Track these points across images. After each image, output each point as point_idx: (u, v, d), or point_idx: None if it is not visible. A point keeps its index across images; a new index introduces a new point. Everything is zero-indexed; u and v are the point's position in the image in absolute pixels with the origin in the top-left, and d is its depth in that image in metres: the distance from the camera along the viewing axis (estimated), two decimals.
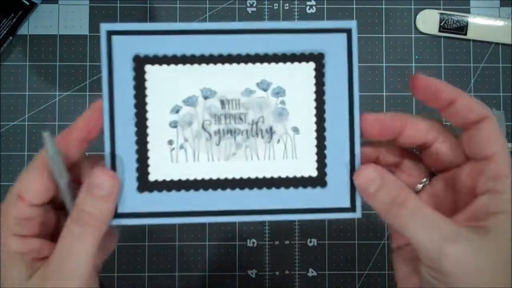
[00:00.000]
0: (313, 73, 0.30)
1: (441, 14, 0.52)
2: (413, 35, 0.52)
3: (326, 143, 0.30)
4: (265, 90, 0.30)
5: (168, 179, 0.30)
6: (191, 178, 0.30)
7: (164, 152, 0.30)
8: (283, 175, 0.30)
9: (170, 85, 0.30)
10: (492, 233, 0.27)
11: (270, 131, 0.30)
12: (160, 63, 0.30)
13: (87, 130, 0.29)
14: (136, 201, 0.29)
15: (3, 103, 0.51)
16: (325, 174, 0.30)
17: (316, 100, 0.30)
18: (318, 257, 0.51)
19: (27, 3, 0.50)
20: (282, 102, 0.30)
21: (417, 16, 0.52)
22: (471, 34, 0.52)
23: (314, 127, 0.30)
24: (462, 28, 0.52)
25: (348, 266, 0.50)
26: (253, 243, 0.51)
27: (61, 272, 0.27)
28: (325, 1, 0.52)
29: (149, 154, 0.30)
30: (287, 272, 0.51)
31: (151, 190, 0.29)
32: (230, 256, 0.50)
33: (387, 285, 0.50)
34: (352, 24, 0.30)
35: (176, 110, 0.30)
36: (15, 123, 0.51)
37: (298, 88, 0.30)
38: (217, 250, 0.50)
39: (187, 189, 0.30)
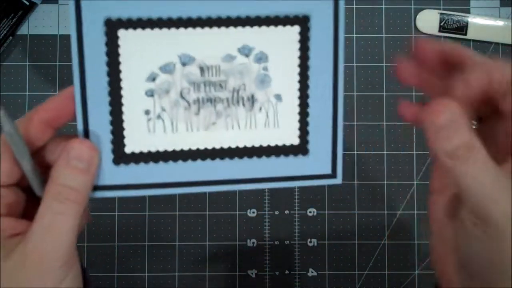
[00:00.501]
0: (298, 37, 0.29)
1: (441, 14, 0.52)
2: (413, 35, 0.52)
3: (309, 110, 0.29)
4: (247, 55, 0.29)
5: (145, 150, 0.28)
6: (169, 149, 0.28)
7: (140, 123, 0.28)
8: (265, 144, 0.29)
9: (146, 51, 0.28)
10: None
11: (252, 99, 0.29)
12: (135, 27, 0.27)
13: (53, 113, 0.27)
14: (112, 174, 0.28)
15: (3, 103, 0.51)
16: (307, 142, 0.29)
17: (300, 65, 0.29)
18: (318, 257, 0.51)
19: (27, 3, 0.50)
20: (265, 68, 0.29)
21: (417, 16, 0.52)
22: (471, 34, 0.52)
23: (297, 94, 0.29)
24: (462, 28, 0.52)
25: (348, 266, 0.50)
26: (253, 243, 0.51)
27: (42, 249, 0.26)
28: None
29: (125, 125, 0.28)
30: (287, 272, 0.51)
31: (127, 163, 0.28)
32: (230, 256, 0.50)
33: (387, 285, 0.50)
34: None
35: (153, 78, 0.28)
36: None
37: (282, 53, 0.29)
38: (217, 250, 0.50)
39: (165, 161, 0.28)
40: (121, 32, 0.27)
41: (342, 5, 0.29)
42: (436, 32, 0.52)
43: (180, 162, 0.29)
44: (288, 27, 0.28)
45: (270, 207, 0.51)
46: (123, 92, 0.28)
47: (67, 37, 0.51)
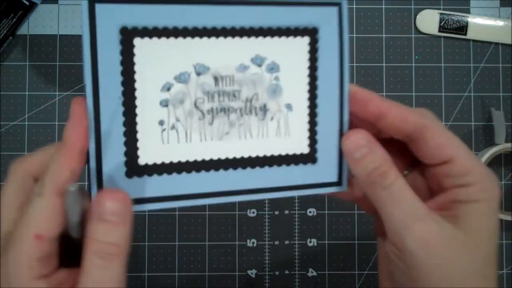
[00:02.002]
0: (307, 48, 0.29)
1: (441, 14, 0.52)
2: (413, 35, 0.52)
3: (317, 119, 0.30)
4: (259, 65, 0.29)
5: (159, 162, 0.28)
6: (183, 160, 0.28)
7: (154, 134, 0.27)
8: (276, 153, 0.30)
9: (161, 60, 0.27)
10: (461, 221, 0.26)
11: (264, 109, 0.29)
12: (150, 36, 0.27)
13: (82, 143, 0.26)
14: (125, 187, 0.27)
15: (3, 103, 0.51)
16: (316, 150, 0.30)
17: (309, 75, 0.30)
18: (318, 257, 0.51)
19: (27, 3, 0.50)
20: (276, 78, 0.29)
21: (417, 16, 0.52)
22: (471, 34, 0.52)
23: (307, 103, 0.30)
24: (462, 28, 0.52)
25: (348, 266, 0.50)
26: (253, 243, 0.51)
27: None
28: None
29: (138, 136, 0.27)
30: (287, 272, 0.51)
31: (140, 175, 0.27)
32: (230, 256, 0.50)
33: None
34: None
35: (168, 88, 0.27)
36: (15, 123, 0.51)
37: (292, 63, 0.29)
38: (217, 250, 0.50)
39: (179, 172, 0.28)
40: (137, 41, 0.27)
41: (345, 15, 0.29)
42: (436, 32, 0.52)
43: (193, 173, 0.28)
44: (298, 38, 0.29)
45: (270, 207, 0.51)
46: (137, 102, 0.27)
47: (67, 37, 0.51)
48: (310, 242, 0.51)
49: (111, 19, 0.26)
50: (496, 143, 0.50)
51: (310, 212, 0.51)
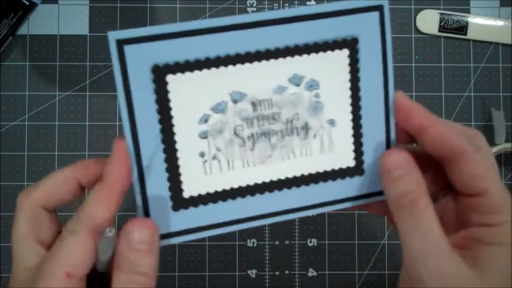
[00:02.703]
0: (347, 60, 0.28)
1: (441, 14, 0.52)
2: (413, 35, 0.52)
3: (362, 131, 0.29)
4: (297, 85, 0.28)
5: (203, 192, 0.28)
6: (227, 188, 0.28)
7: (196, 166, 0.27)
8: (321, 170, 0.29)
9: (196, 93, 0.27)
10: (480, 263, 0.25)
11: (306, 127, 0.28)
12: (183, 71, 0.26)
13: (124, 183, 0.26)
14: (172, 221, 0.27)
15: (3, 103, 0.51)
16: (362, 162, 0.29)
17: (351, 88, 0.28)
18: (318, 257, 0.51)
19: (27, 3, 0.50)
20: (317, 95, 0.28)
21: (417, 16, 0.52)
22: (471, 34, 0.52)
23: (350, 116, 0.29)
24: (462, 28, 0.52)
25: (348, 266, 0.50)
26: (253, 243, 0.51)
27: None
28: (325, 1, 0.52)
29: (181, 170, 0.27)
30: (287, 272, 0.51)
31: (186, 207, 0.28)
32: (230, 256, 0.50)
33: (387, 285, 0.50)
34: (383, 1, 0.28)
35: (205, 120, 0.27)
36: (15, 123, 0.51)
37: (332, 78, 0.28)
38: (217, 250, 0.50)
39: (224, 200, 0.28)
40: (170, 77, 0.26)
41: (387, 19, 0.28)
42: (436, 32, 0.52)
43: (238, 199, 0.28)
44: (337, 51, 0.28)
45: None
46: (176, 138, 0.27)
47: (67, 37, 0.51)
48: (310, 242, 0.51)
49: (141, 59, 0.26)
50: (496, 143, 0.50)
51: None
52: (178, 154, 0.27)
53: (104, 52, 0.51)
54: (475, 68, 0.52)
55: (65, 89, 0.51)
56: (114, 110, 0.51)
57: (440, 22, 0.52)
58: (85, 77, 0.51)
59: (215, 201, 0.28)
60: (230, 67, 0.27)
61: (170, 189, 0.27)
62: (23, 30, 0.51)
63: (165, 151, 0.27)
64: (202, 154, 0.28)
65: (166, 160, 0.27)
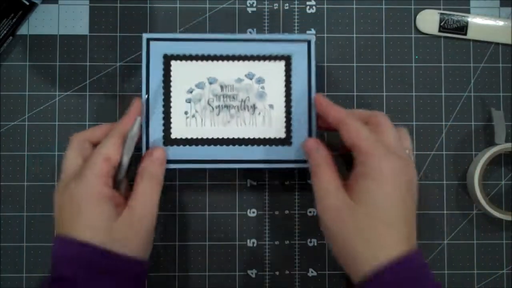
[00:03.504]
0: (284, 68, 0.45)
1: (441, 14, 0.52)
2: (413, 35, 0.52)
3: (291, 115, 0.45)
4: (250, 79, 0.45)
5: (184, 137, 0.45)
6: (200, 137, 0.45)
7: (181, 119, 0.45)
8: (262, 137, 0.45)
9: (187, 75, 0.45)
10: (358, 196, 0.37)
11: (254, 107, 0.45)
12: (181, 60, 0.45)
13: (136, 114, 0.43)
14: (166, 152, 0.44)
15: (3, 103, 0.51)
16: (290, 136, 0.45)
17: (285, 86, 0.45)
18: (318, 257, 0.51)
19: (27, 3, 0.50)
20: (262, 87, 0.45)
21: (417, 16, 0.52)
22: (471, 34, 0.52)
23: (284, 104, 0.45)
24: (462, 28, 0.52)
25: None
26: (253, 243, 0.51)
27: (142, 216, 0.40)
28: (325, 1, 0.52)
29: (171, 120, 0.44)
30: (287, 272, 0.51)
31: (172, 144, 0.44)
32: (230, 256, 0.50)
33: None
34: (311, 37, 0.45)
35: (191, 91, 0.45)
36: (15, 123, 0.51)
37: (273, 78, 0.45)
38: (217, 250, 0.50)
39: (197, 145, 0.45)
40: (173, 63, 0.45)
41: (313, 48, 0.45)
42: (436, 32, 0.52)
43: (206, 146, 0.45)
44: (277, 61, 0.45)
45: (270, 207, 0.51)
46: (171, 100, 0.45)
47: (67, 37, 0.51)
48: (310, 242, 0.51)
49: (157, 50, 0.45)
50: (496, 143, 0.50)
51: (310, 212, 0.51)
52: (171, 110, 0.45)
53: (104, 52, 0.51)
54: (475, 68, 0.52)
55: (65, 89, 0.51)
56: (114, 110, 0.51)
57: (440, 22, 0.52)
58: (85, 77, 0.51)
59: (191, 144, 0.45)
60: (210, 61, 0.45)
61: (163, 131, 0.44)
62: (23, 30, 0.51)
63: (163, 106, 0.44)
64: (186, 113, 0.45)
65: (164, 113, 0.44)
